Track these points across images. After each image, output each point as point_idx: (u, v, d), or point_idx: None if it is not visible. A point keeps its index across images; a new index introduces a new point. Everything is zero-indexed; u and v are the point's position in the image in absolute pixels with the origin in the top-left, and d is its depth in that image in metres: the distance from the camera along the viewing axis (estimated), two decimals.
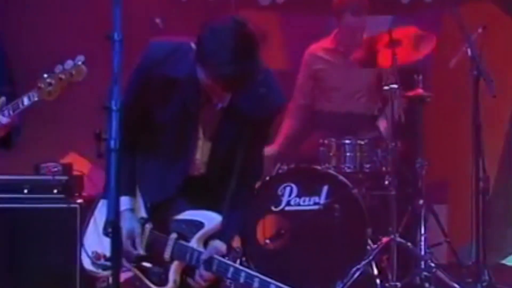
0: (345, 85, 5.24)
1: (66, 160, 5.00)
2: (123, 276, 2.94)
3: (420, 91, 4.87)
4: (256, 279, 2.78)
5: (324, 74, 5.27)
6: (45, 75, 3.43)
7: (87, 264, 3.04)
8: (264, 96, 2.89)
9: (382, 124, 5.02)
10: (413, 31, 4.80)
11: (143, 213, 2.98)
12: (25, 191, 4.49)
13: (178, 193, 2.97)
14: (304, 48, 5.33)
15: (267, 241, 4.76)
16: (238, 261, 4.69)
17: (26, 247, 4.42)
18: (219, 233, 2.93)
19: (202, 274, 2.88)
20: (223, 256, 2.89)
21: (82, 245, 3.07)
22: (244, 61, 2.72)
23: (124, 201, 2.89)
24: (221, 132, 2.94)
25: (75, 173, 4.65)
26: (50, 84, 3.42)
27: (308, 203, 4.72)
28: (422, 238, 4.79)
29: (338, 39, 5.24)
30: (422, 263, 4.67)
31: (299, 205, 4.72)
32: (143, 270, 2.95)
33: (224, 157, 2.97)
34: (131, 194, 2.97)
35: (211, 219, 2.92)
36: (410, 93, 4.88)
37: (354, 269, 4.52)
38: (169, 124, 2.93)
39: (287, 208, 4.73)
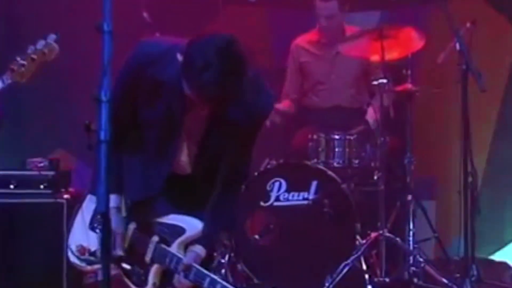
0: (330, 78, 5.24)
1: (53, 156, 4.96)
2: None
3: (408, 85, 4.89)
4: None
5: (310, 66, 5.28)
6: (18, 58, 3.39)
7: (72, 257, 3.05)
8: (251, 103, 2.85)
9: (371, 117, 5.02)
10: (404, 29, 4.79)
11: (124, 212, 2.98)
12: (12, 186, 4.46)
13: (161, 192, 2.95)
14: (290, 42, 5.32)
15: (256, 236, 4.74)
16: (227, 256, 4.68)
17: (12, 242, 4.39)
18: (200, 238, 2.93)
19: (181, 281, 2.89)
20: (203, 261, 2.90)
21: (67, 238, 3.06)
22: (229, 83, 2.69)
23: (111, 199, 2.85)
24: (207, 137, 2.92)
25: (62, 168, 4.61)
26: (22, 65, 3.38)
27: (297, 198, 4.71)
28: (411, 233, 4.81)
29: (321, 32, 5.23)
30: (411, 258, 4.67)
31: (288, 200, 4.71)
32: (125, 270, 2.96)
33: (210, 160, 2.95)
34: (118, 192, 2.95)
35: (193, 226, 2.93)
36: (399, 88, 4.89)
37: (343, 264, 4.51)
38: (154, 124, 2.92)
39: (276, 203, 4.71)
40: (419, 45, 4.81)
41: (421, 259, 4.65)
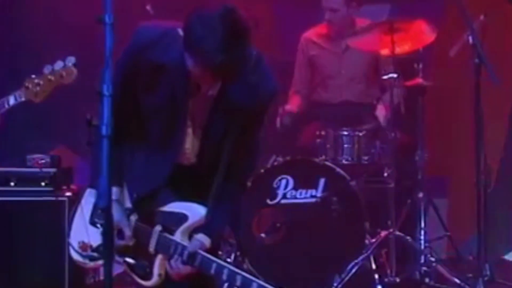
0: (340, 72, 5.18)
1: (54, 152, 4.89)
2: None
3: (420, 80, 4.81)
4: (239, 277, 2.71)
5: (319, 60, 5.23)
6: (33, 76, 3.35)
7: (74, 254, 2.98)
8: (255, 85, 2.79)
9: (381, 113, 4.93)
10: (415, 22, 4.70)
11: (128, 204, 2.90)
12: (12, 183, 4.39)
13: (166, 183, 2.88)
14: (297, 38, 5.27)
15: (263, 235, 4.70)
16: (233, 255, 4.62)
17: (13, 240, 4.32)
18: (204, 227, 2.84)
19: (178, 266, 2.79)
20: (208, 251, 2.82)
21: (68, 235, 3.00)
22: (234, 49, 2.61)
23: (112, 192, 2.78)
24: (211, 122, 2.85)
25: (63, 165, 4.54)
26: (38, 84, 3.35)
27: (304, 196, 4.65)
28: (422, 232, 4.73)
29: (330, 26, 5.18)
30: (422, 257, 4.61)
31: (295, 198, 4.65)
32: (129, 263, 2.88)
33: (216, 147, 2.87)
34: (118, 184, 2.88)
35: (195, 212, 2.84)
36: (410, 83, 4.81)
37: (352, 263, 4.47)
38: (157, 112, 2.84)
39: (283, 201, 4.65)
40: (430, 38, 4.76)
41: (432, 259, 4.60)
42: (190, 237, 2.84)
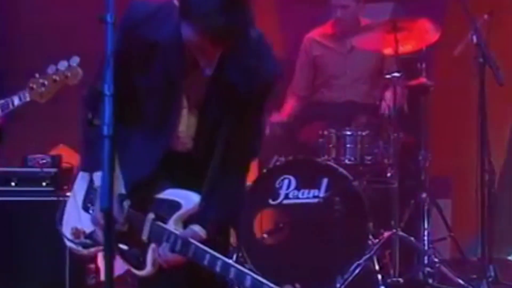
0: (345, 72, 5.16)
1: (55, 152, 4.87)
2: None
3: (423, 80, 4.79)
4: (233, 269, 2.60)
5: (324, 60, 5.20)
6: (37, 75, 3.31)
7: (67, 241, 2.85)
8: (254, 68, 2.63)
9: (384, 109, 4.90)
10: (418, 20, 4.67)
11: (122, 190, 2.74)
12: (13, 183, 4.37)
13: (160, 169, 2.72)
14: (302, 36, 5.23)
15: (265, 235, 4.68)
16: (234, 256, 4.59)
17: (14, 241, 4.30)
18: (198, 217, 2.69)
19: (165, 253, 2.65)
20: (216, 246, 2.67)
21: (60, 221, 2.87)
22: (234, 10, 2.46)
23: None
24: (208, 103, 2.68)
25: (64, 165, 4.51)
26: (43, 85, 3.32)
27: (307, 196, 4.62)
28: (425, 233, 4.71)
29: (336, 24, 5.15)
30: (425, 258, 4.58)
31: (298, 198, 4.62)
32: (122, 251, 2.74)
33: (212, 132, 2.71)
34: None
35: (189, 199, 2.70)
36: (413, 82, 4.79)
37: (355, 264, 4.44)
38: (151, 93, 2.68)
39: (285, 201, 4.62)
40: (434, 37, 4.72)
41: (436, 259, 4.57)
42: (185, 227, 2.70)
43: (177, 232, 2.68)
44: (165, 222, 2.70)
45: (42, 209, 4.32)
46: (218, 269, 2.61)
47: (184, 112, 2.72)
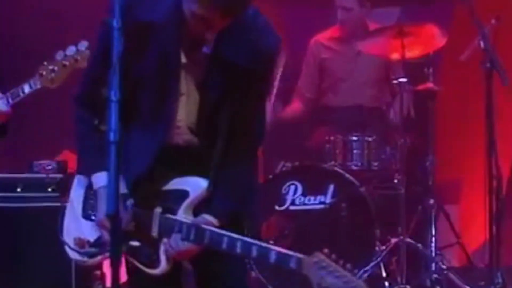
0: (352, 75, 5.14)
1: (60, 158, 4.86)
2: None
3: (430, 85, 4.76)
4: (254, 247, 2.45)
5: (331, 63, 5.18)
6: (45, 62, 3.30)
7: (71, 253, 2.74)
8: (255, 42, 2.52)
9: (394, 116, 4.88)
10: (425, 26, 4.65)
11: (124, 189, 2.57)
12: (18, 189, 4.35)
13: (159, 162, 2.59)
14: (307, 39, 5.23)
15: (271, 241, 4.63)
16: None
17: (20, 247, 4.28)
18: (207, 206, 2.57)
19: (178, 244, 2.52)
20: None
21: (61, 233, 2.75)
22: None
23: (101, 178, 2.56)
24: (208, 85, 2.55)
25: (70, 171, 4.50)
26: (53, 70, 3.31)
27: (313, 202, 4.60)
28: (433, 239, 4.68)
29: (342, 27, 5.14)
30: (433, 265, 4.56)
31: (304, 204, 4.61)
32: (133, 252, 2.62)
33: (213, 118, 2.57)
34: (107, 169, 2.47)
35: (196, 185, 2.57)
36: (420, 87, 4.76)
37: (362, 271, 4.41)
38: (146, 82, 2.55)
39: (291, 207, 4.60)
40: (441, 42, 4.70)
41: (443, 266, 4.55)
42: (195, 214, 2.56)
43: (188, 221, 2.55)
44: (174, 213, 2.58)
45: (47, 215, 4.30)
46: (238, 250, 2.47)
47: (183, 98, 2.59)
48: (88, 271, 4.33)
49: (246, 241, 2.47)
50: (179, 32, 2.52)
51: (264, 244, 2.47)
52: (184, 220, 2.56)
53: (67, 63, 3.29)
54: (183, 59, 2.56)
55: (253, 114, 2.63)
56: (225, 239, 2.48)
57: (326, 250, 2.46)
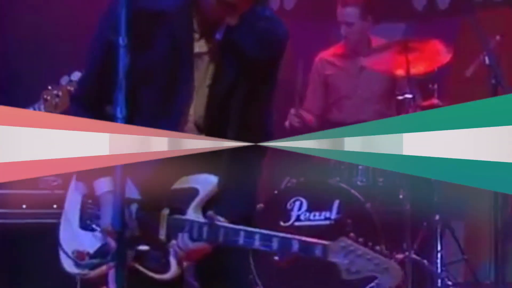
0: (357, 92, 5.13)
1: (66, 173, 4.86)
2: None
3: (435, 101, 4.79)
4: (275, 239, 2.35)
5: (335, 80, 5.19)
6: (50, 87, 3.30)
7: (69, 267, 2.61)
8: (265, 30, 2.49)
9: None
10: (430, 41, 4.65)
11: (129, 194, 2.45)
12: (24, 206, 4.35)
13: (166, 160, 2.42)
14: (314, 56, 5.24)
15: (276, 257, 4.60)
16: None
17: (25, 264, 4.28)
18: (218, 205, 2.45)
19: (185, 243, 2.40)
20: None
21: (60, 245, 2.66)
22: None
23: (103, 183, 2.47)
24: (219, 76, 2.48)
25: None
26: (57, 96, 3.30)
27: (318, 218, 4.59)
28: (439, 255, 4.67)
29: (346, 43, 5.15)
30: (439, 281, 4.56)
31: (309, 220, 4.59)
32: (141, 258, 2.48)
33: (221, 114, 2.49)
34: (110, 173, 2.36)
35: (206, 182, 2.46)
36: (425, 103, 4.77)
37: (367, 287, 4.35)
38: (156, 73, 2.45)
39: (296, 223, 4.58)
40: (446, 58, 4.72)
41: (449, 283, 4.56)
42: (204, 212, 2.45)
43: (199, 220, 2.44)
44: (183, 213, 2.46)
45: (52, 232, 4.30)
46: (257, 244, 2.36)
47: (193, 93, 2.49)
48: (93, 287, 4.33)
49: (265, 234, 2.35)
50: (190, 21, 2.44)
51: (285, 235, 2.36)
52: (195, 219, 2.44)
53: (71, 89, 3.29)
54: (196, 48, 2.48)
55: (262, 107, 2.56)
56: (242, 233, 2.36)
57: (352, 234, 2.40)
